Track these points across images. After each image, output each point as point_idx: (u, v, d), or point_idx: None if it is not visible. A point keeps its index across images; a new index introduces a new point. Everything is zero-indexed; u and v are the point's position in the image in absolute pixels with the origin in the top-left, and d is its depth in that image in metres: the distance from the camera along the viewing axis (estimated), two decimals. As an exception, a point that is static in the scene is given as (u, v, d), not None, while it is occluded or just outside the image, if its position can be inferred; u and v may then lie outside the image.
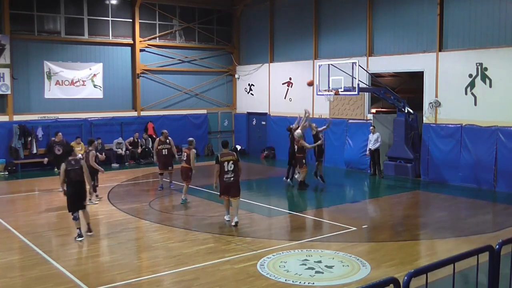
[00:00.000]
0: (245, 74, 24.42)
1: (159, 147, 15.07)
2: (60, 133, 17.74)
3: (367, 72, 18.20)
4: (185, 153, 13.44)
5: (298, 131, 15.45)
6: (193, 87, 23.87)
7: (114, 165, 20.34)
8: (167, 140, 15.21)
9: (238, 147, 24.63)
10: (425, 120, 16.98)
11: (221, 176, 10.88)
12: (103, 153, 20.32)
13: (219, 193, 11.30)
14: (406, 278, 3.50)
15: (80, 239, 9.94)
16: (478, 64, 15.45)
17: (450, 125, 16.21)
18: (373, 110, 19.86)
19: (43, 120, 19.79)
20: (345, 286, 7.53)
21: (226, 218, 11.34)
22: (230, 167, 10.85)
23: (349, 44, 19.53)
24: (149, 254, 9.31)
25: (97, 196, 13.72)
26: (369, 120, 18.65)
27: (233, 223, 10.99)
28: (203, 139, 23.89)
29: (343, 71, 16.35)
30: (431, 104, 16.72)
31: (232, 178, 10.91)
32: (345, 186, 17.12)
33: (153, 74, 22.63)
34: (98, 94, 21.26)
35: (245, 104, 24.70)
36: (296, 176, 15.73)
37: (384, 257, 8.88)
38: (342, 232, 10.56)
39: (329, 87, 16.70)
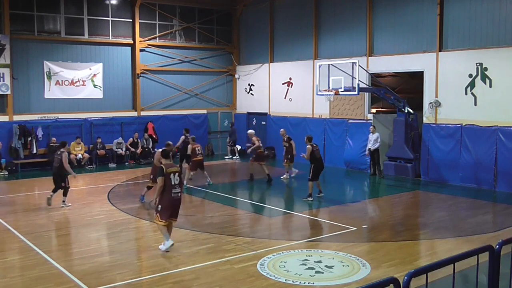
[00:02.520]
0: (245, 74, 24.42)
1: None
2: None
3: (367, 72, 18.20)
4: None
5: (250, 131, 17.87)
6: (193, 87, 23.88)
7: (111, 165, 20.34)
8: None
9: (238, 147, 24.63)
10: (425, 120, 16.98)
11: (168, 192, 9.09)
12: (103, 151, 20.48)
13: (158, 216, 9.14)
14: (406, 278, 3.50)
15: None
16: (478, 64, 15.45)
17: (450, 125, 16.21)
18: (373, 110, 19.87)
19: (43, 120, 19.79)
20: (345, 286, 7.53)
21: (168, 244, 9.15)
22: (176, 180, 9.20)
23: (349, 44, 19.53)
24: (149, 254, 9.30)
25: (63, 202, 12.96)
26: (369, 120, 18.64)
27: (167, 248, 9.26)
28: (203, 139, 23.87)
29: (343, 71, 16.36)
30: (431, 104, 16.72)
31: (179, 194, 9.26)
32: (345, 186, 17.12)
33: (153, 74, 22.63)
34: (98, 94, 21.26)
35: (245, 104, 24.71)
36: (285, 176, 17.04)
37: (384, 257, 8.88)
38: (342, 232, 10.55)
39: (329, 87, 16.72)
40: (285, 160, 17.04)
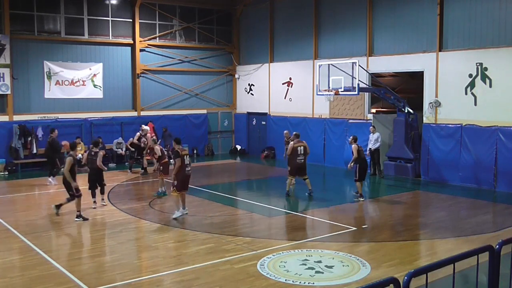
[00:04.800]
0: (245, 74, 24.42)
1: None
2: None
3: (367, 72, 18.20)
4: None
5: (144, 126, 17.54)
6: (193, 87, 23.87)
7: (111, 165, 20.33)
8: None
9: (238, 147, 24.65)
10: (425, 120, 16.98)
11: (182, 170, 11.32)
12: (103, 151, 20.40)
13: (176, 189, 11.46)
14: (406, 278, 3.50)
15: None
16: (478, 64, 15.45)
17: (450, 125, 16.21)
18: (373, 110, 19.87)
19: (43, 120, 19.78)
20: (345, 286, 7.53)
21: (185, 211, 11.71)
22: (188, 160, 11.57)
23: (349, 44, 19.53)
24: (149, 254, 9.31)
25: (103, 199, 13.30)
26: (369, 120, 18.65)
27: (186, 212, 11.74)
28: (203, 139, 23.89)
29: (343, 71, 16.36)
30: (431, 104, 16.72)
31: (190, 171, 11.72)
32: (345, 186, 17.11)
33: (153, 74, 22.63)
34: (98, 94, 21.26)
35: (245, 104, 24.70)
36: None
37: (384, 257, 8.88)
38: (342, 232, 10.56)
39: (329, 87, 16.71)
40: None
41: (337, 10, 20.06)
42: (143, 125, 19.35)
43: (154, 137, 16.54)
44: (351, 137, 14.13)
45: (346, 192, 16.07)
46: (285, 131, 16.81)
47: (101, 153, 12.75)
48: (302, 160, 14.06)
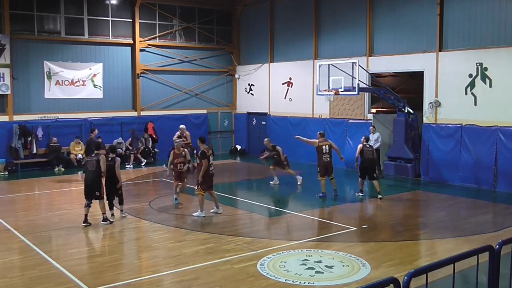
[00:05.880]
0: (245, 74, 24.42)
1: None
2: None
3: (367, 72, 18.20)
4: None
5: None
6: (193, 87, 23.87)
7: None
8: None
9: (238, 147, 24.65)
10: (425, 120, 16.98)
11: (208, 170, 11.48)
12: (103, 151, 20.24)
13: (200, 188, 11.60)
14: (406, 278, 3.50)
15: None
16: (478, 64, 15.45)
17: (450, 125, 16.21)
18: (373, 110, 19.87)
19: (43, 120, 19.78)
20: (345, 286, 7.53)
21: (219, 210, 12.02)
22: (212, 159, 11.75)
23: (349, 44, 19.53)
24: (149, 254, 9.31)
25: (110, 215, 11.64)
26: (369, 120, 18.65)
27: (220, 211, 12.05)
28: (203, 139, 23.86)
29: (343, 71, 16.36)
30: (431, 104, 16.73)
31: (213, 169, 11.79)
32: (345, 186, 17.10)
33: (153, 74, 22.63)
34: (98, 94, 21.26)
35: (245, 104, 24.70)
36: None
37: (384, 257, 8.88)
38: (342, 232, 10.56)
39: (329, 87, 16.72)
40: (287, 167, 16.01)
41: (337, 10, 20.07)
42: (181, 125, 18.90)
43: (178, 140, 15.20)
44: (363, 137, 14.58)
45: (346, 192, 16.06)
46: (265, 139, 16.61)
47: (118, 160, 11.47)
48: (328, 158, 14.14)
